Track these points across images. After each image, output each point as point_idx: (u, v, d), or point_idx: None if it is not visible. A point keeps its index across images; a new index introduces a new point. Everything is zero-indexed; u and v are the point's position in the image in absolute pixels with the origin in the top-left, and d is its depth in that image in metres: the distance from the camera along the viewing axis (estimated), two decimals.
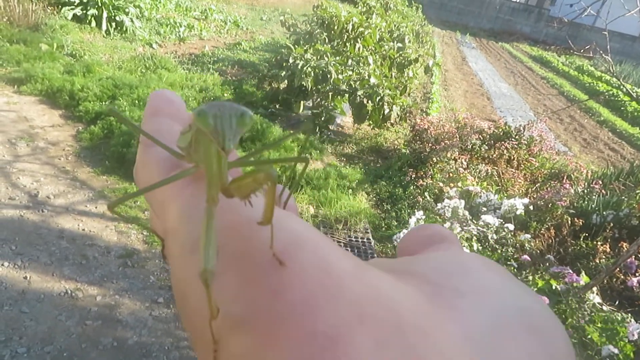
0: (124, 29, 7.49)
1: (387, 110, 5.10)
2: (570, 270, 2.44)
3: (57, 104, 4.68)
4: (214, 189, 0.21)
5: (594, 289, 2.35)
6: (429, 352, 0.16)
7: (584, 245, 3.15)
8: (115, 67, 5.90)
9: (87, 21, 7.23)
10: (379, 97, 5.05)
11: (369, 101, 5.05)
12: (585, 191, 3.86)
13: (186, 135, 0.24)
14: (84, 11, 7.28)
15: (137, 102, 4.68)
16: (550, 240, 3.16)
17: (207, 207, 0.20)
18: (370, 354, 0.15)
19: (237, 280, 0.18)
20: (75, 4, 7.32)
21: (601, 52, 3.39)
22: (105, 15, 7.31)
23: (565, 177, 4.25)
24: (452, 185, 3.75)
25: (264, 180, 0.20)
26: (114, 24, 7.44)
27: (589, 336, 2.11)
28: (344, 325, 0.16)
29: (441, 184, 3.82)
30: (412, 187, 4.10)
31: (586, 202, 3.62)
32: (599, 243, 3.09)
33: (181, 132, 0.26)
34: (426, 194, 3.78)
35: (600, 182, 3.93)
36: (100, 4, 7.31)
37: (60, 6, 7.29)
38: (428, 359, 0.16)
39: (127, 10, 7.62)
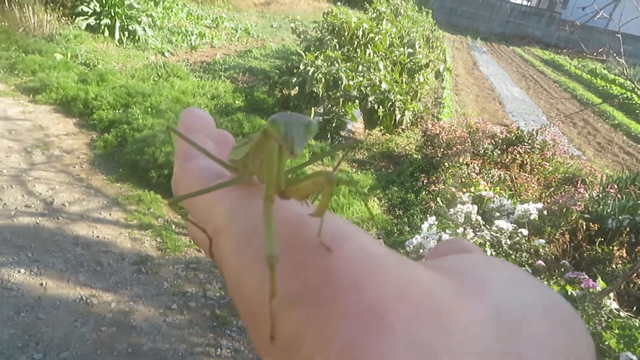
0: (137, 38, 7.58)
1: (398, 116, 5.09)
2: (586, 276, 2.41)
3: (72, 113, 4.75)
4: (272, 189, 0.24)
5: (611, 294, 2.32)
6: (457, 328, 0.18)
7: (599, 251, 3.11)
8: (128, 75, 5.97)
9: (101, 31, 7.34)
10: (390, 103, 5.05)
11: (380, 107, 5.05)
12: (601, 195, 3.81)
13: (242, 148, 0.28)
14: (98, 21, 7.38)
15: (149, 109, 4.73)
16: (565, 246, 3.12)
17: (265, 205, 0.22)
18: (409, 326, 0.18)
19: (291, 265, 0.21)
20: (89, 14, 7.43)
21: (614, 54, 3.36)
22: (118, 24, 7.41)
23: (579, 182, 4.21)
24: (464, 190, 3.73)
25: (324, 183, 0.23)
26: (126, 33, 7.53)
27: (607, 343, 2.08)
28: (388, 301, 0.18)
29: (453, 189, 3.80)
30: (424, 193, 4.09)
31: (601, 207, 3.57)
32: (615, 248, 3.04)
33: (234, 147, 0.30)
34: (438, 199, 3.76)
35: (616, 186, 3.88)
36: (113, 14, 7.42)
37: (74, 16, 7.41)
38: (455, 332, 0.18)
39: (139, 19, 7.72)
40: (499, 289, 0.21)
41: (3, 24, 6.52)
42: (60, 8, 7.50)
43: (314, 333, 0.19)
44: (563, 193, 3.79)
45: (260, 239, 0.22)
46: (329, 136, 5.17)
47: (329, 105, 5.27)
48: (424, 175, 4.32)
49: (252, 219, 0.24)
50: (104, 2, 7.54)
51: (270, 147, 0.24)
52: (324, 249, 0.21)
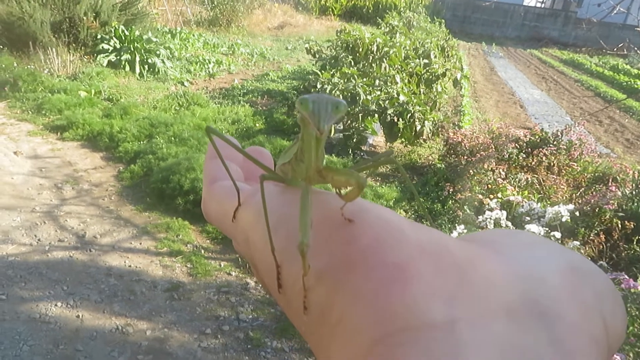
0: (156, 70, 7.78)
1: (418, 127, 5.07)
2: (626, 276, 2.33)
3: (98, 147, 4.87)
4: (311, 170, 0.26)
5: None
6: (478, 277, 0.20)
7: (638, 249, 3.01)
8: (150, 107, 6.11)
9: (122, 66, 7.56)
10: (410, 114, 5.04)
11: (400, 119, 5.04)
12: (634, 192, 3.70)
13: (291, 150, 0.29)
14: (118, 57, 7.61)
15: (173, 138, 4.81)
16: (601, 246, 3.04)
17: (304, 186, 0.25)
18: (431, 277, 0.19)
19: (319, 241, 0.22)
20: (110, 51, 7.66)
21: (636, 48, 3.30)
22: (138, 59, 7.62)
23: (610, 180, 4.10)
24: (491, 196, 3.67)
25: (354, 185, 0.25)
26: (146, 67, 7.74)
27: None
28: (409, 257, 0.20)
29: (480, 196, 3.75)
30: (450, 202, 4.04)
31: (636, 204, 3.47)
32: None
33: (283, 153, 0.31)
34: (466, 207, 3.71)
35: None
36: (132, 49, 7.64)
37: (95, 54, 7.66)
38: (476, 282, 0.19)
39: (158, 52, 7.93)
40: (519, 250, 0.23)
41: (29, 66, 6.77)
42: (82, 47, 7.77)
43: (343, 295, 0.20)
44: (594, 193, 3.70)
45: (286, 227, 0.24)
46: (350, 152, 5.17)
47: (349, 121, 5.28)
48: (449, 184, 4.27)
49: (277, 212, 0.25)
50: (123, 38, 7.77)
51: (308, 132, 0.26)
52: (346, 222, 0.23)
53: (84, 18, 7.68)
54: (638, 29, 3.33)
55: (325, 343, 0.21)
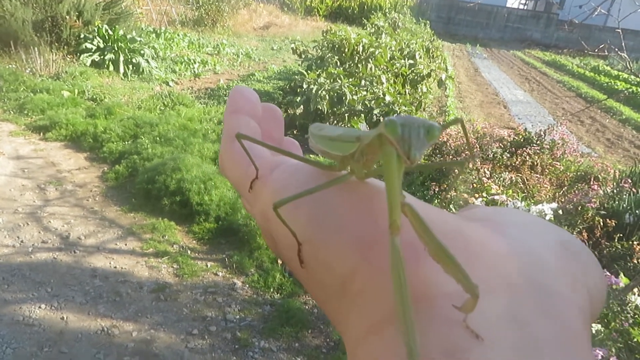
0: (141, 70, 7.70)
1: None
2: (608, 273, 2.37)
3: (82, 147, 4.81)
4: (396, 212, 0.20)
5: (635, 290, 2.28)
6: (485, 256, 0.22)
7: (619, 246, 3.07)
8: (135, 107, 6.05)
9: (105, 66, 7.47)
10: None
11: None
12: (615, 191, 3.77)
13: (347, 145, 0.26)
14: (102, 56, 7.52)
15: (158, 139, 4.77)
16: (584, 244, 3.09)
17: (391, 239, 0.19)
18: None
19: (345, 217, 0.24)
20: (93, 51, 7.57)
21: (617, 50, 3.36)
22: (122, 58, 7.55)
23: (592, 179, 4.17)
24: (477, 195, 3.71)
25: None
26: (130, 66, 7.66)
27: (635, 339, 2.04)
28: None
29: (466, 195, 3.78)
30: (436, 201, 4.07)
31: (617, 202, 3.53)
32: (635, 243, 3.00)
33: (329, 138, 0.29)
34: (452, 206, 3.74)
35: (630, 181, 3.84)
36: (116, 49, 7.56)
37: (78, 54, 7.56)
38: (483, 261, 0.22)
39: (142, 52, 7.85)
40: (516, 229, 0.25)
41: (11, 66, 6.67)
42: (65, 47, 7.67)
43: (364, 269, 0.22)
44: (577, 191, 3.76)
45: (307, 205, 0.25)
46: None
47: (335, 121, 5.30)
48: (434, 183, 4.30)
49: (300, 189, 0.25)
50: (107, 37, 7.69)
51: (387, 152, 0.21)
52: (371, 204, 0.25)
53: (67, 17, 7.58)
54: (618, 30, 3.39)
55: (344, 312, 0.23)
